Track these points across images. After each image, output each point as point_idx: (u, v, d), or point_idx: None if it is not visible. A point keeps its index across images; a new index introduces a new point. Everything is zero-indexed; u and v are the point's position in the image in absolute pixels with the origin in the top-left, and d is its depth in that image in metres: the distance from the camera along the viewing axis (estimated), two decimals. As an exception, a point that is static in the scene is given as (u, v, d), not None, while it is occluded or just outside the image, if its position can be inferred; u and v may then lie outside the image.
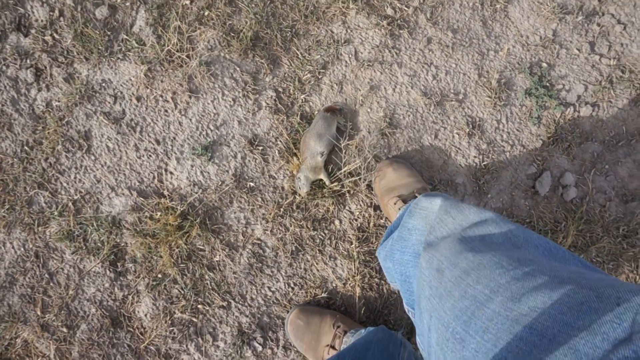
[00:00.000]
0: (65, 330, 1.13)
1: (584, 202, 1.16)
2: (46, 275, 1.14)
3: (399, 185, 1.05)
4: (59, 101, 1.20)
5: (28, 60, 1.22)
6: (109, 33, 1.22)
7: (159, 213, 1.13)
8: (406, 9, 1.22)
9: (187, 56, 1.18)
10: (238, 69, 1.19)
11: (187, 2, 1.22)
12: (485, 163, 1.16)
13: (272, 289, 1.14)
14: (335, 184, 1.13)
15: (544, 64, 1.21)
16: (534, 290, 0.45)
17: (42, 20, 1.22)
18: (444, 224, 0.68)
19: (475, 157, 1.17)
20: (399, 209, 0.98)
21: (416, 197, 0.99)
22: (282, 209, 1.14)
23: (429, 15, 1.22)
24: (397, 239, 0.81)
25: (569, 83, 1.20)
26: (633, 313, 0.38)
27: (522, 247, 0.58)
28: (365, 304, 1.12)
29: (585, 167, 1.18)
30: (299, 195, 1.13)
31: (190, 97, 1.18)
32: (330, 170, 1.14)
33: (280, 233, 1.14)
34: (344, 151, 1.15)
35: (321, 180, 1.12)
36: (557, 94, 1.19)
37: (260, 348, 1.11)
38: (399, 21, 1.21)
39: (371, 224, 1.14)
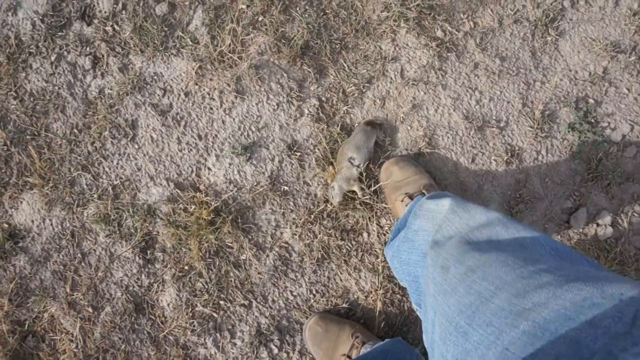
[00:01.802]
0: (90, 310, 1.23)
1: (619, 243, 1.20)
2: (79, 255, 1.25)
3: (406, 183, 1.11)
4: (111, 89, 1.32)
5: (88, 48, 1.35)
6: (166, 29, 1.34)
7: (193, 206, 1.23)
8: (456, 32, 1.30)
9: (238, 58, 1.29)
10: (285, 75, 1.29)
11: (244, 7, 1.33)
12: (520, 192, 1.22)
13: (294, 294, 1.21)
14: (368, 197, 1.20)
15: (591, 100, 1.26)
16: (539, 287, 0.48)
17: (105, 12, 1.36)
18: (451, 223, 0.73)
19: (510, 185, 1.23)
20: (406, 205, 1.05)
21: (423, 193, 1.06)
22: (312, 216, 1.22)
23: (478, 40, 1.30)
24: (403, 240, 0.87)
25: (614, 121, 1.25)
26: (634, 309, 0.41)
27: (529, 247, 0.61)
28: (385, 319, 1.18)
29: (624, 208, 1.22)
30: (331, 204, 1.21)
31: (236, 97, 1.28)
32: (364, 183, 1.22)
33: (308, 239, 1.22)
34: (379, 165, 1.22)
35: (354, 191, 1.20)
36: (602, 131, 1.25)
37: (276, 350, 1.18)
38: (447, 44, 1.29)
39: (400, 241, 1.21)
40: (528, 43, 1.30)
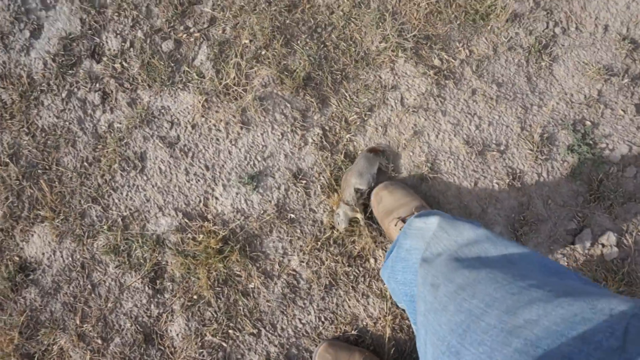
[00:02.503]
0: (100, 341, 1.25)
1: (626, 263, 1.22)
2: (89, 286, 1.28)
3: (397, 207, 1.14)
4: (120, 123, 1.38)
5: (97, 84, 1.42)
6: (172, 64, 1.41)
7: (201, 235, 1.27)
8: (453, 60, 1.37)
9: (243, 90, 1.35)
10: (289, 105, 1.35)
11: (247, 42, 1.40)
12: (524, 214, 1.26)
13: (303, 321, 1.23)
14: (370, 222, 1.24)
15: (588, 122, 1.31)
16: (529, 303, 0.49)
17: (114, 50, 1.43)
18: (439, 241, 0.75)
19: (514, 207, 1.26)
20: (400, 229, 1.06)
21: (413, 214, 1.07)
22: (319, 243, 1.26)
23: (474, 68, 1.36)
24: (396, 260, 0.89)
25: (612, 142, 1.30)
26: (625, 323, 0.42)
27: (517, 263, 0.62)
28: (395, 345, 1.20)
29: (628, 227, 1.25)
30: (337, 230, 1.25)
31: (241, 128, 1.34)
32: (368, 208, 1.26)
33: (315, 266, 1.25)
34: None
35: (357, 218, 1.24)
36: (600, 152, 1.29)
37: (286, 380, 1.19)
38: (445, 72, 1.35)
39: (406, 265, 1.24)
40: (523, 69, 1.36)
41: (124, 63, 1.42)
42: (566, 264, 1.23)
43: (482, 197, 1.27)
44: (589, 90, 1.34)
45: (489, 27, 1.39)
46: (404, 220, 1.09)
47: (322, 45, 1.39)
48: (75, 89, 1.41)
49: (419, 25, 1.38)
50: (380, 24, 1.38)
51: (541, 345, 0.44)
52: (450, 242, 0.73)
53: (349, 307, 1.23)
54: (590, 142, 1.29)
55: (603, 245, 1.24)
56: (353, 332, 1.21)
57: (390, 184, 1.20)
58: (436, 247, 0.74)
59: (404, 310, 0.96)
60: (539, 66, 1.36)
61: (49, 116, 1.39)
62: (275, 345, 1.21)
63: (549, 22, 1.39)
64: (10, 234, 1.33)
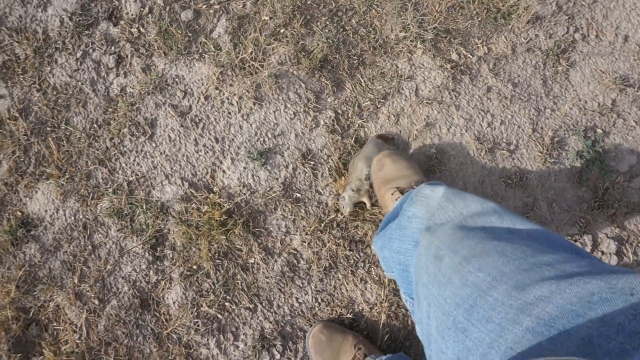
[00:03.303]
0: (96, 302, 1.27)
1: (622, 271, 1.25)
2: (89, 247, 1.30)
3: (398, 177, 1.13)
4: (133, 88, 1.39)
5: (113, 48, 1.43)
6: (189, 34, 1.42)
7: (205, 207, 1.29)
8: (470, 56, 1.38)
9: (260, 66, 1.37)
10: (303, 85, 1.37)
11: (267, 18, 1.42)
12: (527, 215, 1.28)
13: (300, 301, 1.26)
14: (376, 209, 1.26)
15: (599, 130, 1.34)
16: (540, 280, 0.46)
17: (132, 14, 1.44)
18: (444, 211, 0.72)
19: (518, 207, 1.29)
20: (396, 199, 1.06)
21: (414, 189, 1.07)
22: (322, 225, 1.28)
23: (491, 65, 1.38)
24: (396, 228, 0.85)
25: (622, 152, 1.32)
26: None
27: (527, 238, 0.59)
28: (389, 332, 1.22)
29: (629, 237, 1.28)
30: (342, 214, 1.27)
31: (254, 104, 1.35)
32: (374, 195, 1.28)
33: (317, 247, 1.27)
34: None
35: (364, 202, 1.26)
36: (609, 161, 1.31)
37: (278, 356, 1.22)
38: (462, 67, 1.37)
39: (406, 255, 1.26)
40: (540, 71, 1.38)
41: (141, 28, 1.43)
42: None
43: (488, 194, 1.30)
44: (603, 99, 1.36)
45: (509, 27, 1.40)
46: (402, 192, 1.07)
47: (341, 29, 1.40)
48: (90, 50, 1.42)
49: (440, 18, 1.40)
50: (402, 13, 1.40)
51: (555, 325, 0.40)
52: (455, 213, 0.69)
53: (347, 290, 1.26)
54: (600, 149, 1.32)
55: (602, 253, 1.27)
56: (349, 315, 1.24)
57: (395, 153, 1.19)
58: (440, 216, 0.71)
59: (392, 279, 0.95)
60: (556, 70, 1.38)
61: (62, 75, 1.40)
62: (270, 322, 1.24)
63: (570, 27, 1.41)
64: (14, 188, 1.35)
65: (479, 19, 1.41)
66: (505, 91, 1.36)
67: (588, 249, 1.26)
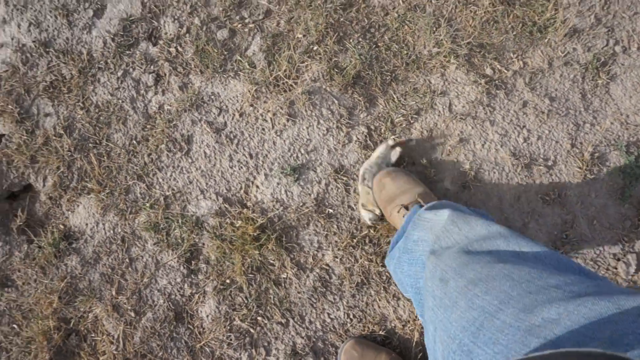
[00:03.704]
0: (133, 314, 1.31)
1: (670, 293, 1.20)
2: (127, 260, 1.35)
3: (399, 194, 1.14)
4: (170, 105, 1.45)
5: (152, 67, 1.49)
6: (225, 53, 1.47)
7: (239, 221, 1.32)
8: (505, 71, 1.38)
9: (293, 83, 1.40)
10: (336, 102, 1.39)
11: (300, 36, 1.45)
12: (567, 233, 1.25)
13: (332, 316, 1.26)
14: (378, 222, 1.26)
15: (642, 145, 1.30)
16: (547, 302, 0.46)
17: (170, 34, 1.50)
18: (449, 234, 0.72)
19: (557, 225, 1.26)
20: (403, 216, 1.07)
21: (419, 202, 1.08)
22: (355, 240, 1.29)
23: (527, 80, 1.37)
24: (403, 251, 0.86)
25: (667, 168, 1.28)
26: None
27: (534, 261, 0.59)
28: (421, 350, 1.21)
29: (676, 257, 1.23)
30: (369, 227, 1.27)
31: (288, 120, 1.38)
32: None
33: (349, 263, 1.28)
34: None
35: (376, 213, 1.25)
36: (653, 177, 1.27)
37: (310, 372, 1.23)
38: (496, 81, 1.37)
39: (440, 272, 1.25)
40: (578, 85, 1.35)
41: (179, 48, 1.49)
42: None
43: (525, 211, 1.28)
44: (646, 113, 1.32)
45: (545, 40, 1.39)
46: (407, 208, 1.08)
47: (374, 46, 1.42)
48: (131, 69, 1.48)
49: (474, 33, 1.40)
50: (435, 29, 1.41)
51: (564, 346, 0.40)
52: (461, 236, 0.70)
53: (379, 307, 1.25)
54: (643, 165, 1.28)
55: (647, 273, 1.22)
56: (381, 332, 1.23)
57: (393, 171, 1.20)
58: (446, 240, 0.72)
59: (409, 300, 0.96)
60: (595, 84, 1.35)
61: (104, 93, 1.47)
62: (302, 337, 1.25)
63: (610, 39, 1.38)
64: (58, 202, 1.41)
65: (514, 33, 1.40)
66: (542, 106, 1.34)
67: (632, 268, 1.22)
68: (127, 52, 1.50)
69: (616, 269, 1.23)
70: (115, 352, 1.28)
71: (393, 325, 1.24)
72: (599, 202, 1.27)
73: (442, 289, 0.59)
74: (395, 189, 1.16)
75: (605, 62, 1.38)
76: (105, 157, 1.41)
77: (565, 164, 1.30)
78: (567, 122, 1.33)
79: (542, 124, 1.33)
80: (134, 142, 1.42)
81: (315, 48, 1.43)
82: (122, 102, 1.46)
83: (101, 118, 1.45)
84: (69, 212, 1.40)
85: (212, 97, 1.44)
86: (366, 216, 1.24)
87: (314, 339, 1.25)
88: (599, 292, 0.46)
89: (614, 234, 1.25)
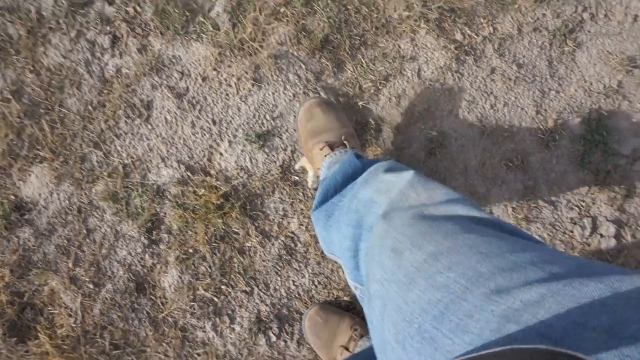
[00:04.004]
0: (91, 286, 1.27)
1: (621, 255, 1.25)
2: (84, 231, 1.30)
3: (327, 129, 1.06)
4: (128, 69, 1.38)
5: (108, 27, 1.42)
6: (187, 14, 1.40)
7: (202, 190, 1.28)
8: (475, 36, 1.37)
9: (259, 46, 1.35)
10: (303, 66, 1.35)
11: (265, -3, 1.40)
12: (527, 198, 1.28)
13: (296, 284, 1.26)
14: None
15: (604, 113, 1.32)
16: (527, 283, 0.38)
17: (127, -8, 1.42)
18: (405, 200, 0.62)
19: (519, 191, 1.28)
20: (325, 155, 0.99)
21: (344, 144, 0.99)
22: (321, 208, 1.27)
23: (496, 46, 1.36)
24: (346, 211, 0.74)
25: (625, 135, 1.31)
26: None
27: (502, 236, 0.50)
28: (387, 315, 1.23)
29: (629, 221, 1.27)
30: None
31: (253, 85, 1.34)
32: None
33: (314, 230, 1.27)
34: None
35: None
36: (612, 144, 1.30)
37: (274, 338, 1.23)
38: (466, 47, 1.36)
39: (406, 239, 1.26)
40: (545, 52, 1.36)
41: (137, 7, 1.41)
42: (564, 250, 1.26)
43: (489, 177, 1.29)
44: (609, 80, 1.34)
45: (516, 6, 1.38)
46: (331, 147, 1.00)
47: (343, 9, 1.38)
48: (85, 30, 1.40)
49: (443, -2, 1.38)
50: (404, -8, 1.38)
51: (551, 336, 0.33)
52: (417, 203, 0.61)
53: (343, 273, 1.25)
54: (604, 132, 1.31)
55: (601, 236, 1.26)
56: (345, 297, 1.24)
57: (325, 102, 1.11)
58: (400, 204, 0.62)
59: (335, 262, 0.89)
60: (562, 51, 1.36)
61: (56, 55, 1.39)
62: (267, 305, 1.24)
63: (578, 6, 1.39)
64: (8, 171, 1.34)
65: (483, -1, 1.39)
66: (509, 72, 1.34)
67: (587, 232, 1.26)
68: (81, 11, 1.41)
69: (572, 232, 1.27)
70: (73, 324, 1.25)
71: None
72: (559, 168, 1.30)
73: (395, 261, 0.51)
74: (323, 122, 1.07)
75: (572, 29, 1.38)
76: (58, 124, 1.34)
77: (529, 131, 1.31)
78: (533, 89, 1.34)
79: (509, 90, 1.34)
80: (90, 107, 1.36)
81: (282, 10, 1.38)
82: (76, 65, 1.38)
83: (53, 82, 1.37)
84: (21, 182, 1.33)
85: (173, 60, 1.38)
86: (310, 178, 1.23)
87: (279, 306, 1.25)
88: (581, 270, 0.39)
89: (572, 198, 1.29)
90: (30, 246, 1.30)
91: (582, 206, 1.29)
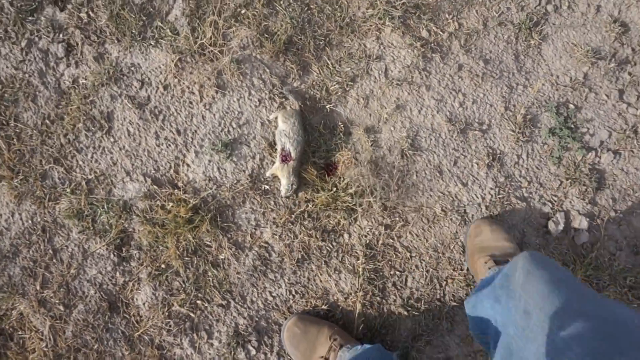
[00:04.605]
0: (62, 308, 1.25)
1: (595, 247, 1.28)
2: (50, 251, 1.27)
3: (495, 247, 1.17)
4: (85, 79, 1.33)
5: (61, 35, 1.36)
6: (144, 18, 1.36)
7: (170, 204, 1.26)
8: (441, 33, 1.36)
9: (220, 52, 1.32)
10: (268, 70, 1.33)
11: (226, -1, 1.36)
12: (500, 196, 1.29)
13: (273, 294, 1.26)
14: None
15: (571, 106, 1.34)
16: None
17: (79, -3, 1.36)
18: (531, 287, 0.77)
19: (491, 188, 1.30)
20: (489, 268, 1.11)
21: (508, 261, 1.11)
22: (293, 216, 1.27)
23: (463, 42, 1.36)
24: (488, 296, 0.91)
25: (593, 127, 1.33)
26: None
27: (614, 307, 0.68)
28: (364, 321, 1.24)
29: (600, 213, 1.30)
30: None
31: (216, 92, 1.31)
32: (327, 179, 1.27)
33: (288, 239, 1.27)
34: (339, 165, 1.28)
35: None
36: (581, 137, 1.33)
37: (253, 352, 1.23)
38: (432, 44, 1.35)
39: (380, 242, 1.27)
40: (512, 46, 1.36)
41: (90, 13, 1.36)
42: (538, 246, 1.28)
43: (461, 176, 1.30)
44: (575, 73, 1.36)
45: (480, 0, 1.38)
46: (496, 262, 1.12)
47: (305, 8, 1.36)
48: (37, 39, 1.34)
49: (409, -7, 1.36)
50: (369, -11, 1.36)
51: None
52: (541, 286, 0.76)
53: (321, 281, 1.26)
54: (572, 125, 1.33)
55: (575, 230, 1.29)
56: (323, 306, 1.24)
57: (495, 222, 1.22)
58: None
59: (481, 338, 0.98)
60: (528, 44, 1.37)
61: (7, 67, 1.33)
62: (245, 318, 1.24)
63: (542, -2, 1.39)
64: (-36, 192, 1.29)
65: (449, -7, 1.38)
66: (477, 69, 1.35)
67: (561, 226, 1.28)
68: (30, 18, 1.35)
69: (546, 227, 1.29)
70: (45, 348, 1.22)
71: (335, 298, 1.26)
72: (531, 163, 1.31)
73: (525, 321, 0.69)
74: (491, 239, 1.18)
75: (537, 22, 1.39)
76: (15, 140, 1.30)
77: (499, 128, 1.32)
78: (500, 85, 1.34)
79: (477, 87, 1.34)
80: (47, 121, 1.31)
81: (242, 12, 1.35)
82: (30, 76, 1.33)
83: (6, 95, 1.31)
84: (-21, 203, 1.29)
85: (132, 68, 1.33)
86: (284, 187, 1.23)
87: (257, 319, 1.25)
88: None
89: (545, 193, 1.31)
90: (-6, 270, 1.26)
91: (555, 201, 1.31)
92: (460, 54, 1.35)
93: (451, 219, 1.28)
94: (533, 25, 1.37)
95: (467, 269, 1.25)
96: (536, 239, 1.29)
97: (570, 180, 1.31)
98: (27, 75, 1.32)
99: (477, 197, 1.29)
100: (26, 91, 1.32)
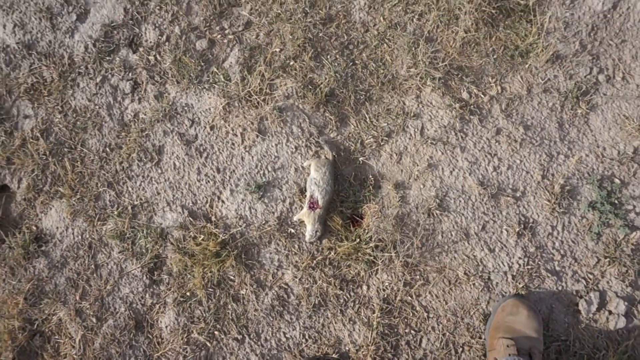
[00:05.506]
0: (94, 320, 1.38)
1: (632, 335, 1.21)
2: (92, 266, 1.41)
3: (524, 335, 1.15)
4: (145, 114, 1.50)
5: (130, 74, 1.55)
6: (202, 64, 1.52)
7: (202, 236, 1.37)
8: (482, 96, 1.39)
9: (264, 100, 1.43)
10: (307, 120, 1.42)
11: (277, 50, 1.48)
12: (529, 266, 1.27)
13: (287, 336, 1.31)
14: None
15: (617, 180, 1.30)
16: None
17: (150, 42, 1.55)
18: None
19: (520, 257, 1.28)
20: (509, 355, 1.09)
21: (529, 354, 1.12)
22: (315, 261, 1.32)
23: (504, 106, 1.37)
24: None
25: (639, 206, 1.28)
26: None
27: None
28: (372, 376, 1.25)
29: (641, 298, 1.23)
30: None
31: (257, 136, 1.42)
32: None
33: (308, 284, 1.32)
34: (365, 216, 1.31)
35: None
36: (625, 215, 1.27)
37: (261, 390, 1.27)
38: (472, 106, 1.38)
39: (398, 298, 1.28)
40: (556, 114, 1.36)
41: (157, 56, 1.54)
42: (566, 325, 1.23)
43: (488, 242, 1.29)
44: (624, 147, 1.32)
45: (526, 66, 1.40)
46: (517, 350, 1.11)
47: (350, 63, 1.45)
48: (110, 75, 1.54)
49: (453, 55, 1.41)
50: (413, 49, 1.42)
51: None
52: None
53: (335, 329, 1.29)
54: (616, 201, 1.28)
55: (610, 313, 1.23)
56: (334, 355, 1.27)
57: (534, 310, 1.19)
58: None
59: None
60: (574, 113, 1.36)
61: (82, 98, 1.53)
62: (257, 354, 1.30)
63: (594, 67, 1.38)
64: (32, 204, 1.48)
65: (495, 57, 1.41)
66: (516, 134, 1.35)
67: (594, 307, 1.23)
68: (108, 57, 1.56)
69: (577, 305, 1.24)
70: (75, 356, 1.35)
71: (347, 348, 1.28)
72: (566, 236, 1.28)
73: None
74: (524, 325, 1.16)
75: (586, 91, 1.37)
76: (78, 163, 1.48)
77: (534, 196, 1.31)
78: (540, 152, 1.34)
79: (514, 153, 1.34)
80: (107, 149, 1.48)
81: (291, 63, 1.46)
82: (99, 108, 1.52)
83: (78, 123, 1.51)
84: (42, 214, 1.47)
85: (186, 108, 1.49)
86: (308, 232, 1.29)
87: (268, 357, 1.30)
88: None
89: (580, 270, 1.26)
90: (44, 276, 1.43)
91: (590, 279, 1.26)
92: (500, 118, 1.36)
93: (474, 284, 1.27)
94: (581, 94, 1.36)
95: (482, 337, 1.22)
96: (565, 316, 1.24)
97: (609, 259, 1.25)
98: (97, 106, 1.52)
99: (504, 265, 1.28)
100: (95, 121, 1.50)
